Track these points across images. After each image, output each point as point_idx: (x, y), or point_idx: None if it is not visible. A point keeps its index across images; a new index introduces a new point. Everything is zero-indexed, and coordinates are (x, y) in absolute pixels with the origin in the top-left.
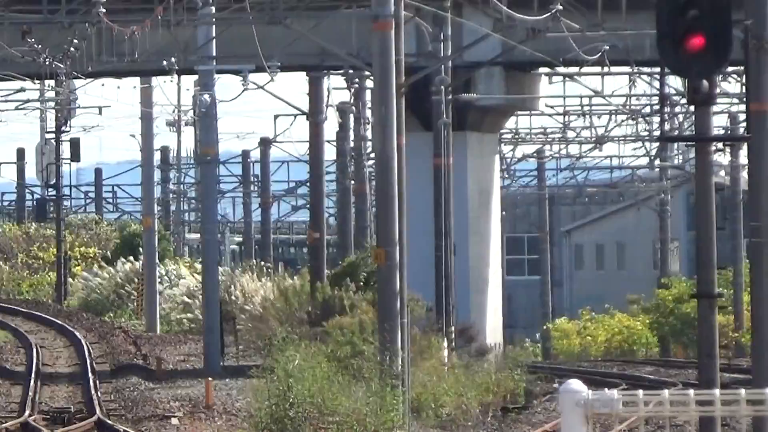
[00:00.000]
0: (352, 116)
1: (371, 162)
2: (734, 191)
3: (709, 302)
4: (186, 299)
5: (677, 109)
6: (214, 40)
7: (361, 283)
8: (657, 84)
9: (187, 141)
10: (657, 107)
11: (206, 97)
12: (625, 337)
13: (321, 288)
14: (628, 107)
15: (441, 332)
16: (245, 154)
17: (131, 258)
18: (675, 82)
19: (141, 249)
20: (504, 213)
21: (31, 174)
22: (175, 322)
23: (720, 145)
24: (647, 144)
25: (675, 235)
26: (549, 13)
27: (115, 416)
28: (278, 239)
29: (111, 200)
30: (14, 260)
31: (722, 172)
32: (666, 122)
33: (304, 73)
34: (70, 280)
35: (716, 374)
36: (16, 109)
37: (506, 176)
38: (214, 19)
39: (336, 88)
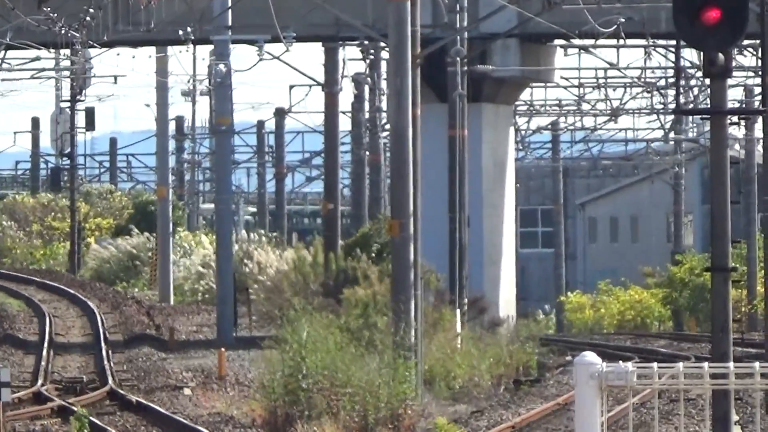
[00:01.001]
0: (367, 87)
1: (386, 133)
2: (749, 165)
3: (723, 276)
4: (201, 269)
5: (692, 82)
6: (230, 10)
7: (374, 255)
8: (672, 57)
9: (202, 111)
10: (672, 80)
11: (221, 67)
12: (638, 311)
13: (334, 259)
14: (643, 80)
15: (454, 304)
16: (260, 125)
17: (145, 230)
18: (690, 55)
19: (154, 218)
20: (518, 185)
21: (45, 143)
22: (189, 291)
23: (735, 118)
24: (662, 117)
25: (689, 208)
26: None
27: (127, 386)
28: (292, 210)
29: (125, 170)
30: (29, 229)
31: (737, 146)
32: (681, 95)
33: (320, 43)
34: (84, 249)
35: (730, 348)
36: (32, 78)
37: (521, 148)
38: None
39: (351, 59)
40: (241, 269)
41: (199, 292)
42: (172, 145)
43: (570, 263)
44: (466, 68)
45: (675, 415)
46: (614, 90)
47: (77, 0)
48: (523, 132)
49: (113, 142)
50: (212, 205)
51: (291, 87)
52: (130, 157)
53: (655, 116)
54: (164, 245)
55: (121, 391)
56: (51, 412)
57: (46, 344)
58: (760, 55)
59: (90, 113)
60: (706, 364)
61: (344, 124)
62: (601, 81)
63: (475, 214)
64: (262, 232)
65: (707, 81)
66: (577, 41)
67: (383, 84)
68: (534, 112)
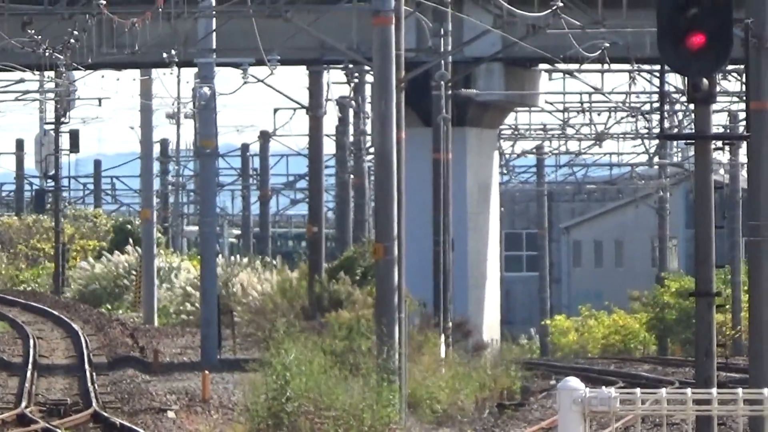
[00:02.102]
0: (351, 111)
1: (370, 156)
2: (733, 190)
3: (708, 300)
4: (188, 288)
5: (677, 106)
6: (214, 33)
7: (358, 278)
8: (657, 81)
9: (186, 133)
10: (657, 105)
11: (206, 89)
12: (622, 336)
13: (319, 282)
14: (627, 104)
15: (438, 328)
16: (244, 148)
17: (127, 249)
18: (675, 80)
19: (131, 240)
20: (503, 209)
21: (30, 165)
22: (174, 313)
23: (719, 143)
24: (647, 141)
25: (674, 232)
26: (550, 10)
27: (111, 409)
28: (276, 233)
29: (110, 192)
30: (14, 250)
31: (721, 171)
32: (666, 120)
33: (304, 67)
34: (68, 271)
35: (713, 373)
36: (16, 99)
37: (505, 172)
38: (214, 12)
39: (336, 82)
40: (226, 291)
41: (183, 314)
42: (156, 167)
43: (554, 287)
44: (450, 92)
45: None
46: (599, 114)
47: (62, 22)
48: (507, 156)
49: (97, 164)
50: (196, 228)
51: (275, 110)
52: (114, 180)
53: (639, 141)
54: (148, 267)
55: (105, 414)
56: None
57: (30, 366)
58: (744, 80)
59: (74, 135)
60: (689, 390)
61: (329, 147)
62: (586, 105)
63: (459, 237)
64: (251, 256)
65: (692, 106)
66: (561, 66)
67: (368, 107)
68: (518, 136)
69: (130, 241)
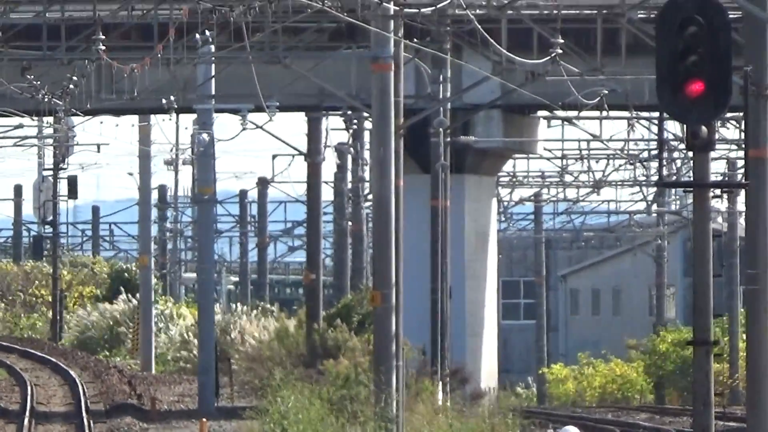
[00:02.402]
0: (350, 157)
1: (369, 203)
2: (731, 238)
3: (705, 349)
4: (186, 336)
5: (675, 154)
6: (213, 79)
7: (355, 325)
8: (655, 129)
9: (184, 180)
10: (655, 152)
11: (204, 136)
12: (619, 385)
13: (316, 329)
14: (626, 152)
15: (435, 375)
16: (243, 194)
17: (124, 297)
18: (674, 127)
19: (125, 288)
20: (500, 256)
21: (28, 211)
22: (171, 360)
23: (718, 191)
24: (645, 189)
25: (671, 281)
26: (548, 57)
27: None
28: (274, 280)
29: (108, 238)
30: (11, 297)
31: (720, 219)
32: (664, 167)
33: (303, 113)
34: (66, 318)
35: (711, 422)
36: (14, 145)
37: (503, 219)
38: (213, 58)
39: (334, 128)
40: (223, 339)
41: (181, 361)
42: (154, 213)
43: (552, 335)
44: (449, 139)
45: None
46: (597, 162)
47: (61, 68)
48: (505, 203)
49: (96, 210)
50: (194, 274)
51: (274, 156)
52: (112, 226)
53: (637, 188)
54: (146, 314)
55: None
56: None
57: (27, 413)
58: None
59: (72, 181)
60: None
61: (327, 193)
62: (584, 152)
63: (457, 284)
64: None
65: (690, 153)
66: (560, 113)
67: (366, 154)
68: (517, 183)
69: (122, 289)
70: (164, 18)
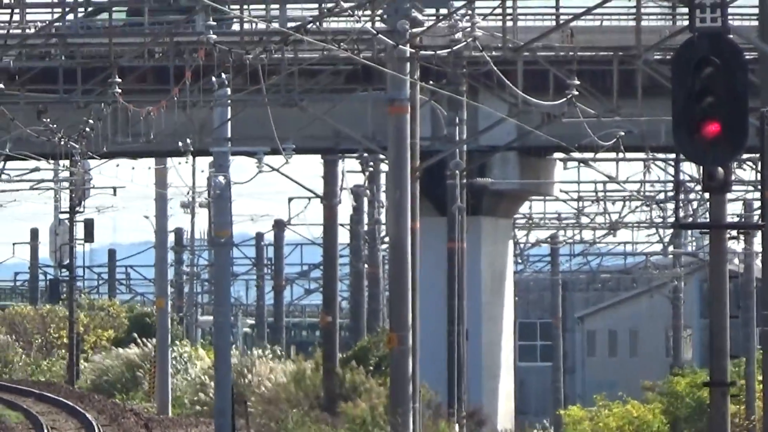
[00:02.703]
0: (366, 199)
1: (385, 245)
2: (748, 279)
3: (722, 390)
4: (203, 378)
5: (691, 195)
6: (230, 122)
7: (372, 367)
8: (672, 170)
9: (200, 222)
10: (671, 194)
11: (221, 178)
12: (636, 427)
13: (333, 372)
14: (642, 193)
15: (452, 417)
16: (259, 237)
17: (143, 340)
18: (690, 169)
19: (144, 331)
20: (517, 298)
21: (44, 254)
22: (188, 403)
23: (734, 232)
24: (661, 231)
25: (688, 322)
26: (565, 99)
27: None
28: (291, 322)
29: (124, 281)
30: (29, 340)
31: (736, 260)
32: (680, 209)
33: (319, 155)
34: (82, 361)
35: None
36: (31, 189)
37: (519, 261)
38: (229, 101)
39: (351, 171)
40: (240, 381)
41: (198, 404)
42: (171, 256)
43: (568, 377)
44: (465, 181)
45: None
46: (613, 203)
47: (77, 111)
48: (521, 245)
49: (112, 253)
50: (211, 317)
51: (290, 199)
52: (128, 269)
53: (654, 230)
54: (162, 357)
55: None
56: None
57: None
58: (759, 169)
59: (89, 225)
60: None
61: (343, 236)
62: (600, 194)
63: (473, 326)
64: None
65: (706, 195)
66: (576, 154)
67: (382, 196)
68: (533, 225)
69: (135, 335)
70: (180, 61)
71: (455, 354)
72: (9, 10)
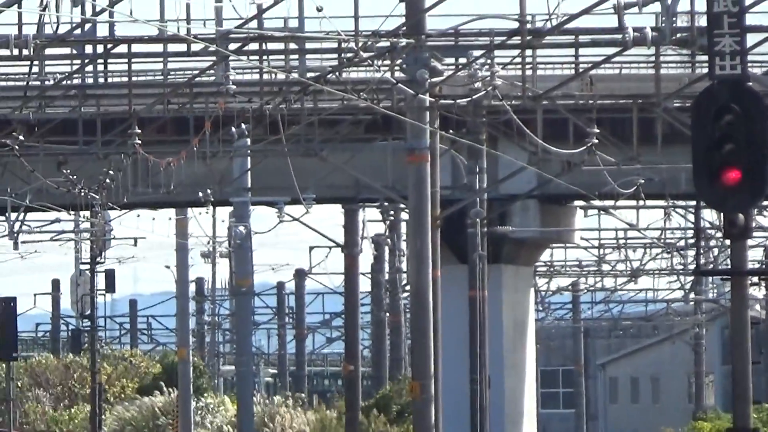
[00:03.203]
0: (387, 248)
1: (406, 294)
2: None
3: None
4: (226, 428)
5: (712, 242)
6: (250, 172)
7: (394, 415)
8: (692, 217)
9: (221, 272)
10: (692, 241)
11: (241, 228)
12: None
13: (356, 420)
14: (663, 240)
15: None
16: (280, 286)
17: (169, 389)
18: (710, 216)
19: (169, 380)
20: (539, 346)
21: (66, 305)
22: None
23: (755, 278)
24: (682, 277)
25: (710, 368)
26: (584, 147)
27: None
28: (313, 371)
29: (146, 331)
30: (51, 392)
31: (757, 306)
32: (701, 256)
33: (340, 205)
34: (105, 412)
35: None
36: (51, 240)
37: (541, 309)
38: (249, 151)
39: (371, 220)
40: (263, 430)
41: None
42: (192, 306)
43: (591, 424)
44: (485, 229)
45: None
46: (634, 251)
47: (97, 162)
48: (543, 293)
49: (133, 303)
50: (233, 367)
51: (311, 248)
52: (150, 319)
53: (675, 277)
54: (185, 407)
55: None
56: None
57: None
58: None
59: (110, 275)
60: None
61: (364, 285)
62: (621, 242)
63: (495, 374)
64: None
65: (727, 241)
66: (597, 202)
67: (403, 245)
68: (554, 272)
69: (162, 383)
70: (200, 111)
71: (478, 402)
72: (28, 62)
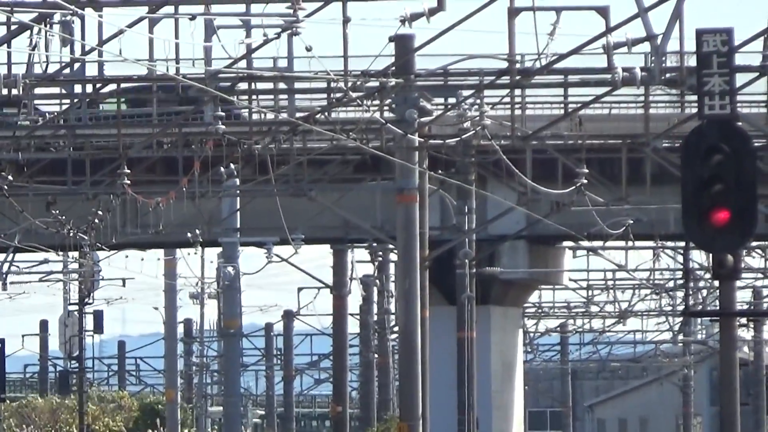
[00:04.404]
0: (375, 289)
1: (394, 335)
2: (758, 366)
3: None
4: None
5: (701, 283)
6: (239, 212)
7: None
8: (681, 258)
9: (210, 313)
10: (681, 282)
11: (230, 269)
12: None
13: None
14: (651, 282)
15: None
16: (268, 327)
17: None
18: (699, 257)
19: (159, 420)
20: (527, 387)
21: (54, 346)
22: None
23: (744, 320)
24: (671, 319)
25: (698, 410)
26: (573, 187)
27: None
28: (301, 413)
29: (134, 373)
30: None
31: (746, 348)
32: (689, 297)
33: (328, 245)
34: None
35: None
36: (40, 281)
37: (529, 350)
38: (238, 192)
39: (360, 261)
40: None
41: None
42: (180, 348)
43: None
44: (474, 270)
45: None
46: (623, 292)
47: (85, 202)
48: (531, 334)
49: (121, 345)
50: (221, 408)
51: (299, 289)
52: (138, 360)
53: (663, 318)
54: None
55: None
56: None
57: None
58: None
59: (98, 316)
60: None
61: (353, 326)
62: (610, 283)
63: (484, 415)
64: None
65: (716, 282)
66: (585, 243)
67: (392, 286)
68: (542, 314)
69: (152, 423)
70: (189, 152)
71: None
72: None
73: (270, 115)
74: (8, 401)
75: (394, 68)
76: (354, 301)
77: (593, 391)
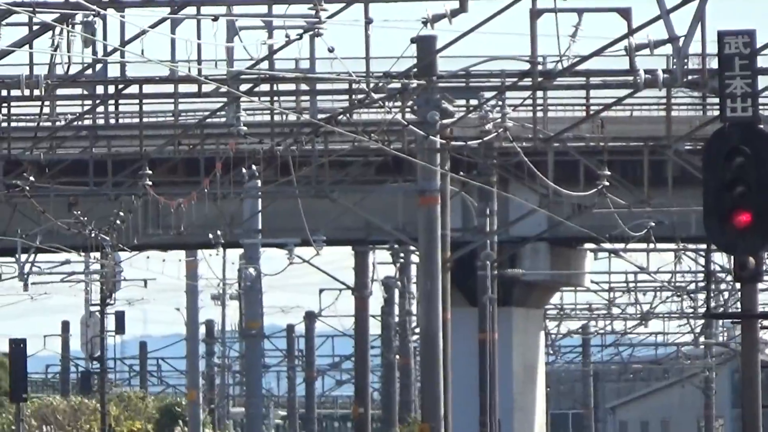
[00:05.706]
0: (397, 291)
1: (416, 336)
2: None
3: None
4: None
5: (722, 285)
6: (260, 214)
7: None
8: (702, 261)
9: (231, 314)
10: (702, 284)
11: (251, 270)
12: None
13: None
14: (673, 284)
15: None
16: (290, 328)
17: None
18: (721, 259)
19: (181, 421)
20: (548, 389)
21: (75, 347)
22: None
23: (766, 322)
24: (692, 321)
25: (720, 412)
26: (595, 189)
27: None
28: (322, 414)
29: (155, 373)
30: None
31: (767, 350)
32: (711, 299)
33: (350, 247)
34: None
35: None
36: (61, 281)
37: (551, 352)
38: (260, 193)
39: (381, 262)
40: None
41: None
42: (202, 348)
43: None
44: (496, 272)
45: None
46: (644, 294)
47: (107, 203)
48: (553, 336)
49: (143, 345)
50: (242, 409)
51: (321, 290)
52: (160, 361)
53: (685, 320)
54: None
55: None
56: None
57: None
58: None
59: (120, 317)
60: None
61: (374, 327)
62: (632, 285)
63: (505, 417)
64: None
65: (738, 285)
66: (607, 245)
67: (413, 287)
68: (564, 315)
69: (180, 423)
70: (211, 153)
71: None
72: (39, 102)
73: (292, 117)
74: (30, 401)
75: (416, 70)
76: (375, 303)
77: (615, 393)
